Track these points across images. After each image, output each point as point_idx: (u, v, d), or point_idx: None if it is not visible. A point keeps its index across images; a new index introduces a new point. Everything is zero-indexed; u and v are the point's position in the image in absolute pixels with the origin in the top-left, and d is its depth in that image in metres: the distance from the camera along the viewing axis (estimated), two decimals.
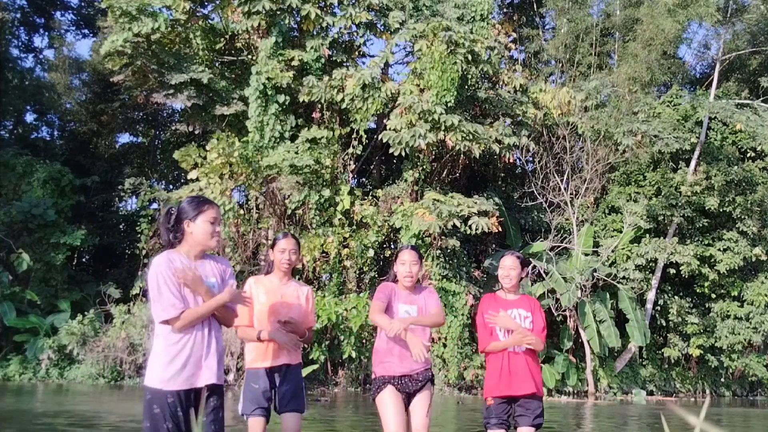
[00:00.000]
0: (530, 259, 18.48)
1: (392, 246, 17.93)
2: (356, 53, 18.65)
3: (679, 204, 19.17)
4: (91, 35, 26.06)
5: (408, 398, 4.27)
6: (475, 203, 16.24)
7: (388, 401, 4.19)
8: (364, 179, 21.47)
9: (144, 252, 18.57)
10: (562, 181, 19.31)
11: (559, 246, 18.62)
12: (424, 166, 17.33)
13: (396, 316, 4.28)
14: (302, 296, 4.38)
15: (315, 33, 17.30)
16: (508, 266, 4.52)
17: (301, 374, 4.35)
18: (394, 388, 4.22)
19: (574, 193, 19.18)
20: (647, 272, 19.30)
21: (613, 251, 18.94)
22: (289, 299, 4.29)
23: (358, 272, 17.11)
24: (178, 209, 3.36)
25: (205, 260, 3.41)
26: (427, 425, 4.22)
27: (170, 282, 3.19)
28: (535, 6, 22.03)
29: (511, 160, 18.23)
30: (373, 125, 19.19)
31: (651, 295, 19.64)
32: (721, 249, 19.68)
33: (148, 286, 3.23)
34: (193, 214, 3.32)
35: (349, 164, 17.69)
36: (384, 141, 16.43)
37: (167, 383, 3.17)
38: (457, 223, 15.81)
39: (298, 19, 17.43)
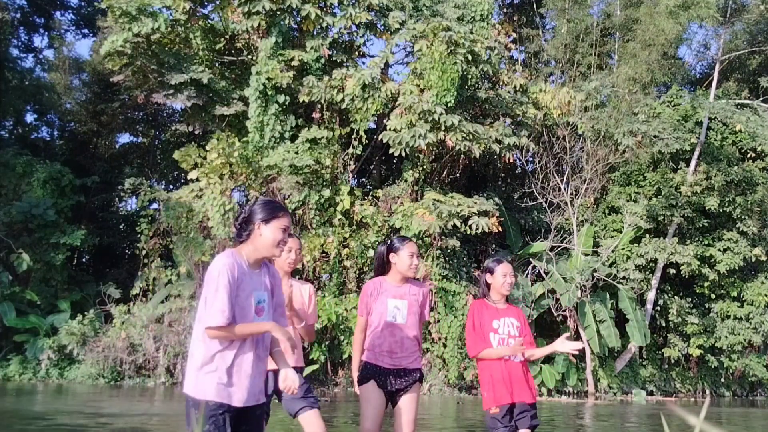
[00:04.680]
0: (530, 259, 18.52)
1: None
2: (356, 53, 18.64)
3: (679, 204, 19.17)
4: (91, 35, 26.04)
5: (391, 396, 4.26)
6: (475, 203, 16.23)
7: (369, 396, 4.22)
8: (364, 179, 21.46)
9: (144, 252, 18.58)
10: (562, 181, 19.32)
11: (559, 246, 18.62)
12: (424, 166, 17.33)
13: (385, 310, 4.30)
14: (305, 294, 4.40)
15: (315, 33, 17.30)
16: (509, 272, 4.52)
17: (302, 375, 4.34)
18: (375, 384, 4.22)
19: (574, 193, 19.19)
20: (647, 272, 19.30)
21: (613, 251, 18.94)
22: (289, 296, 4.29)
23: (358, 272, 17.11)
24: (251, 209, 3.20)
25: (262, 269, 3.24)
26: (413, 426, 4.21)
27: (229, 287, 3.01)
28: (535, 6, 22.02)
29: (511, 160, 18.22)
30: (373, 125, 19.18)
31: (651, 295, 19.64)
32: (721, 249, 19.68)
33: (206, 284, 3.05)
34: (267, 217, 3.15)
35: (349, 164, 17.69)
36: (384, 141, 16.43)
37: (217, 395, 3.01)
38: (457, 223, 15.80)
39: (298, 19, 17.42)
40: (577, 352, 4.40)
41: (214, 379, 3.01)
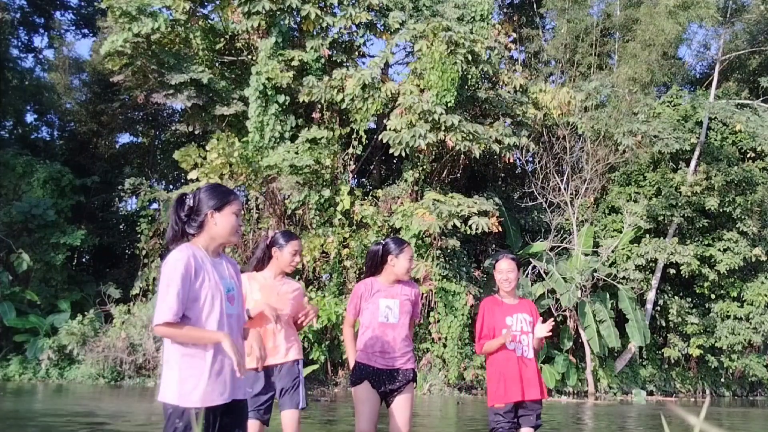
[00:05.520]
0: (530, 259, 18.52)
1: None
2: (356, 53, 18.64)
3: (679, 204, 19.18)
4: (91, 35, 26.05)
5: (385, 396, 4.27)
6: (475, 203, 16.24)
7: (363, 397, 4.23)
8: (364, 179, 21.46)
9: (144, 252, 18.57)
10: (562, 181, 19.33)
11: (559, 246, 18.62)
12: (424, 167, 17.33)
13: (377, 310, 4.31)
14: (297, 292, 4.43)
15: (315, 33, 17.30)
16: (505, 269, 4.53)
17: (299, 370, 4.35)
18: (370, 384, 4.23)
19: (574, 193, 19.19)
20: (647, 272, 19.30)
21: (613, 251, 18.94)
22: (284, 296, 4.31)
23: (358, 272, 17.10)
24: (197, 197, 3.00)
25: (222, 258, 3.09)
26: (408, 426, 4.25)
27: (181, 282, 2.83)
28: (535, 6, 22.02)
29: (511, 160, 18.23)
30: (373, 125, 19.19)
31: (651, 295, 19.64)
32: (721, 249, 19.68)
33: (160, 281, 2.88)
34: (219, 204, 2.97)
35: (349, 164, 17.69)
36: (384, 141, 16.43)
37: (200, 400, 2.83)
38: (457, 223, 15.81)
39: (298, 19, 17.43)
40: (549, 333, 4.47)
41: (194, 382, 2.83)
